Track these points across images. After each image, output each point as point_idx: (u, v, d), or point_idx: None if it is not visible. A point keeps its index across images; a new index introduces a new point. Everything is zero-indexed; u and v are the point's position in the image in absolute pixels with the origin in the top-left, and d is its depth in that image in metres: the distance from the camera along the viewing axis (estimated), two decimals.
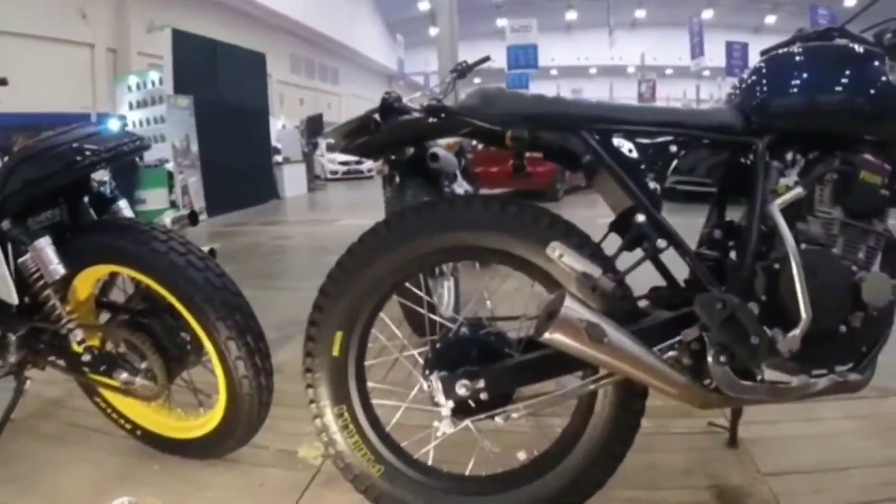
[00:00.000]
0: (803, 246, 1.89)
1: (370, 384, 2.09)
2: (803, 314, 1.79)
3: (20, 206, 2.32)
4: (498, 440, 2.17)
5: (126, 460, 2.57)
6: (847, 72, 1.95)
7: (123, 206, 2.62)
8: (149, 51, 17.48)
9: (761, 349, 1.82)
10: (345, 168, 24.09)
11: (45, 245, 2.27)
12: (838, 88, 1.94)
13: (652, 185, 1.91)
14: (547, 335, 1.72)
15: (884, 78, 1.91)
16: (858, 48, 1.98)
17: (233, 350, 2.23)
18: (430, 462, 2.07)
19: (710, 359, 1.83)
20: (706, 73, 45.30)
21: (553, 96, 1.99)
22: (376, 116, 1.89)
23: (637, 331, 1.81)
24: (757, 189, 1.91)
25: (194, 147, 12.51)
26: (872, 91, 1.91)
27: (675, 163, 1.95)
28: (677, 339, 1.86)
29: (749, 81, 2.03)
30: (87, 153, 2.31)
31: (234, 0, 24.15)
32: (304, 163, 18.77)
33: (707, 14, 45.45)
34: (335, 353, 1.98)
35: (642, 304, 2.00)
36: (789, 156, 1.99)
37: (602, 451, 1.94)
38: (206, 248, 2.40)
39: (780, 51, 2.07)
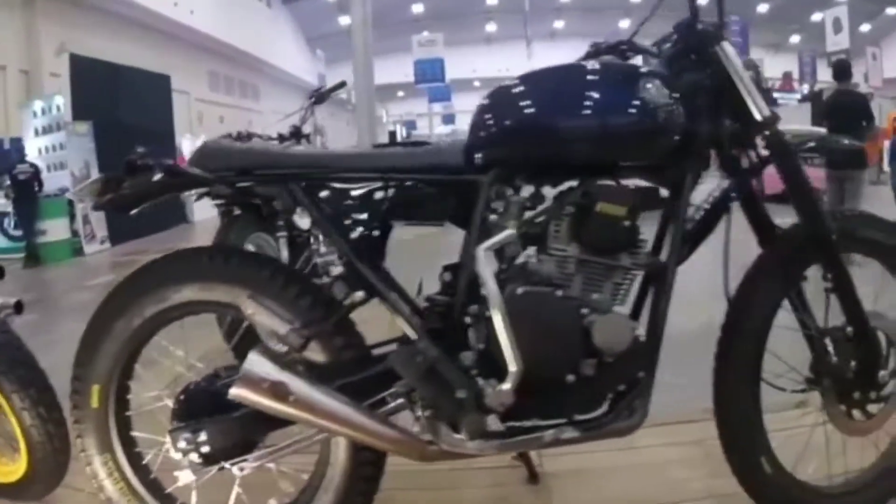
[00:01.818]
0: (522, 289, 1.78)
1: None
2: (512, 365, 1.72)
3: None
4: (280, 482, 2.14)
5: None
6: (577, 95, 1.85)
7: None
8: (62, 72, 17.11)
9: (468, 403, 1.76)
10: None
11: None
12: (564, 114, 1.84)
13: (357, 232, 1.89)
14: (233, 392, 1.77)
15: (630, 97, 1.82)
16: (600, 67, 1.91)
17: (17, 402, 2.28)
18: None
19: (418, 412, 1.81)
20: None
21: (272, 147, 2.04)
22: (118, 175, 1.92)
23: (345, 385, 1.81)
24: (473, 228, 1.85)
25: (95, 174, 12.35)
26: (611, 113, 1.82)
27: (385, 207, 1.91)
28: (391, 391, 1.83)
29: (474, 117, 1.93)
30: None
31: (150, 18, 23.75)
32: None
33: (624, 24, 46.39)
34: (94, 405, 2.00)
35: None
36: (533, 189, 1.90)
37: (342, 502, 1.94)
38: (13, 300, 2.44)
39: (507, 82, 1.98)
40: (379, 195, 1.92)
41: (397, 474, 2.07)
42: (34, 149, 12.55)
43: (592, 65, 1.94)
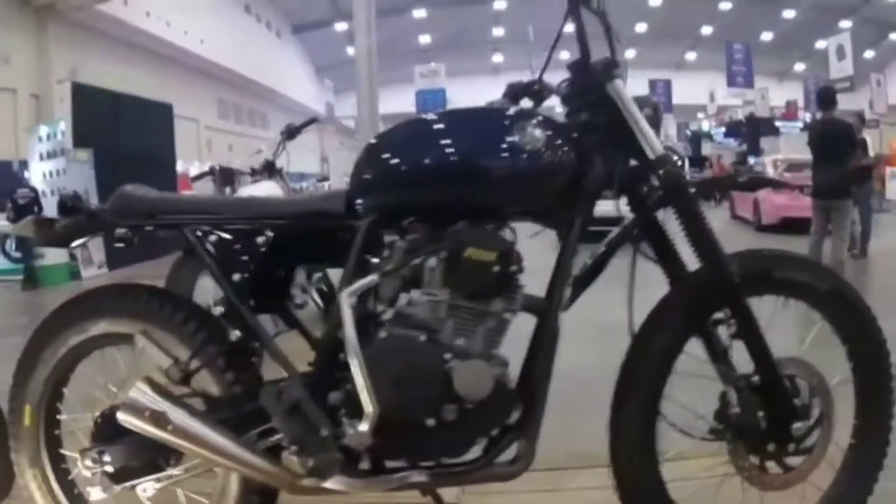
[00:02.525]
0: (384, 333, 1.82)
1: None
2: (369, 407, 1.74)
3: None
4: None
5: None
6: (457, 140, 1.86)
7: None
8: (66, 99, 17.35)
9: (329, 442, 1.80)
10: None
11: None
12: (443, 160, 1.85)
13: (238, 276, 1.97)
14: (119, 417, 1.88)
15: (512, 141, 1.79)
16: (484, 111, 1.93)
17: None
18: None
19: (287, 448, 1.86)
20: None
21: (173, 195, 2.15)
22: (47, 216, 2.10)
23: (228, 418, 1.90)
24: (345, 272, 1.87)
25: (94, 200, 12.46)
26: (491, 158, 1.82)
27: (270, 251, 1.98)
28: (269, 426, 1.88)
29: (356, 164, 1.96)
30: None
31: (159, 46, 24.16)
32: None
33: (629, 53, 46.60)
34: (27, 423, 2.14)
35: None
36: (418, 233, 1.88)
37: None
38: None
39: (390, 128, 2.00)
40: (262, 240, 1.99)
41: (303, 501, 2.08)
42: (39, 173, 12.69)
43: (478, 109, 1.96)
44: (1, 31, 17.25)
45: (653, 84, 38.00)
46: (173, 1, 24.34)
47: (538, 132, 1.81)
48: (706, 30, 40.67)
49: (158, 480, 2.00)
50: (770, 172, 14.22)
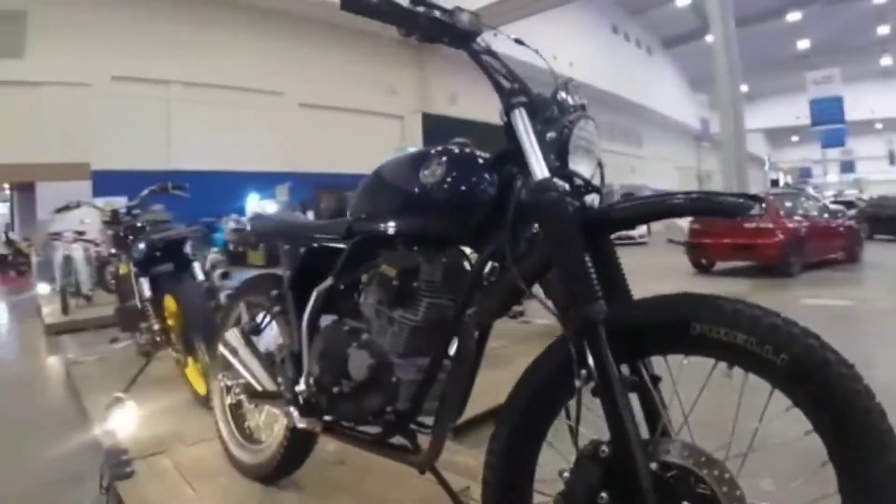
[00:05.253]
0: (330, 319, 2.32)
1: None
2: (304, 368, 2.34)
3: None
4: None
5: None
6: (395, 182, 2.06)
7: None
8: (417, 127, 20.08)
9: (290, 386, 2.41)
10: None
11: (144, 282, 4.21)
12: (388, 199, 2.07)
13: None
14: (219, 347, 2.87)
15: (417, 180, 1.92)
16: (415, 155, 2.03)
17: (200, 348, 3.83)
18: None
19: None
20: None
21: (273, 218, 2.84)
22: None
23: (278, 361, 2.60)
24: (329, 275, 2.34)
25: None
26: (401, 193, 2.00)
27: (300, 259, 2.54)
28: None
29: (354, 198, 2.27)
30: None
31: (530, 71, 25.86)
32: None
33: None
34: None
35: None
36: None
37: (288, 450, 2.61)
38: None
39: (376, 169, 2.16)
40: (303, 250, 2.57)
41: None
42: None
43: (419, 152, 2.05)
44: (388, 67, 20.52)
45: None
46: (540, 28, 26.24)
47: (441, 169, 1.88)
48: None
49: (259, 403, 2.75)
50: None
